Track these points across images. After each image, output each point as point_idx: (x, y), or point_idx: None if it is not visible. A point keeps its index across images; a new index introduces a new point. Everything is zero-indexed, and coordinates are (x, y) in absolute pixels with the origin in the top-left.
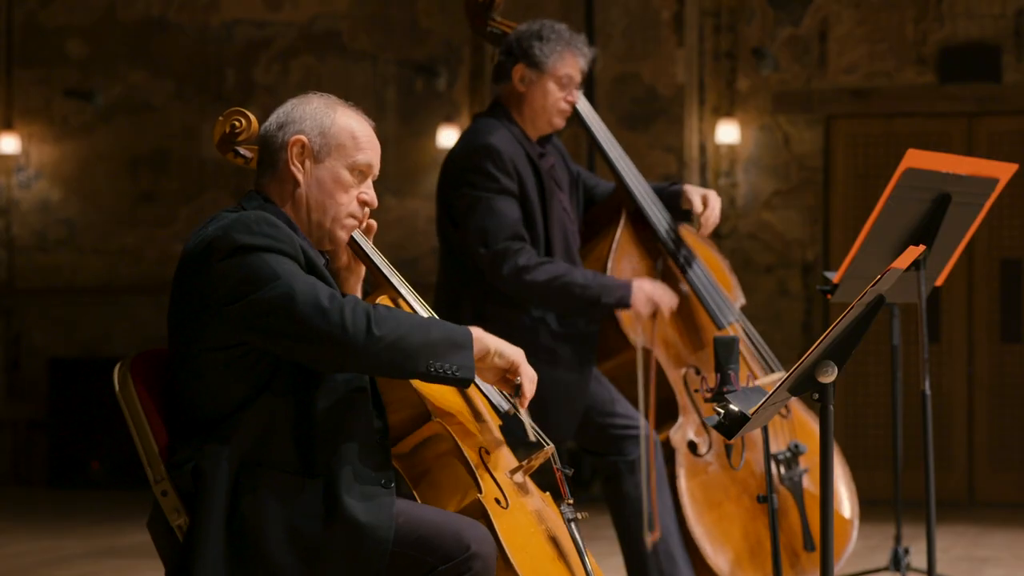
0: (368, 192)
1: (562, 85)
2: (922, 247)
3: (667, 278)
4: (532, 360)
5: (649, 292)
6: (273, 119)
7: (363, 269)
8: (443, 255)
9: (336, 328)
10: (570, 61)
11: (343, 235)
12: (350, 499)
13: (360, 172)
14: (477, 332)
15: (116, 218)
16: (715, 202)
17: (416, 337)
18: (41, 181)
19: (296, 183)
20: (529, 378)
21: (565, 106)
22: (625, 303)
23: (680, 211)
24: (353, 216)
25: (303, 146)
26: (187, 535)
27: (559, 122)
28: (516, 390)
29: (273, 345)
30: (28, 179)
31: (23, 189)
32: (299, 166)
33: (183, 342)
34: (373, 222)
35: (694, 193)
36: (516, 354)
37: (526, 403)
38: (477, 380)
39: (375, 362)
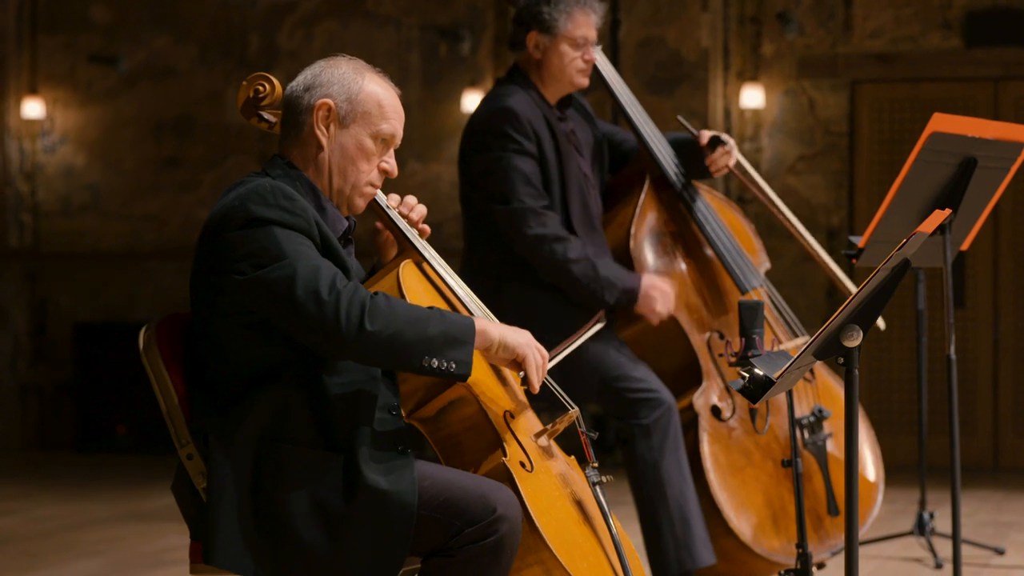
0: (389, 161)
1: (577, 45)
2: (948, 211)
3: (690, 242)
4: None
5: (655, 299)
6: (300, 81)
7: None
8: (466, 222)
9: (329, 320)
10: (581, 20)
11: (361, 203)
12: (371, 469)
13: (383, 141)
14: (481, 324)
15: (140, 183)
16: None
17: (411, 333)
18: (66, 146)
19: (319, 147)
20: (535, 368)
21: (583, 65)
22: (626, 303)
23: (703, 169)
24: (372, 184)
25: (329, 110)
26: (210, 513)
27: (582, 80)
28: (524, 379)
29: (275, 323)
30: (53, 144)
31: (48, 154)
32: (324, 130)
33: (201, 309)
34: (427, 227)
35: (706, 132)
36: (520, 343)
37: (535, 390)
38: None
39: (368, 355)
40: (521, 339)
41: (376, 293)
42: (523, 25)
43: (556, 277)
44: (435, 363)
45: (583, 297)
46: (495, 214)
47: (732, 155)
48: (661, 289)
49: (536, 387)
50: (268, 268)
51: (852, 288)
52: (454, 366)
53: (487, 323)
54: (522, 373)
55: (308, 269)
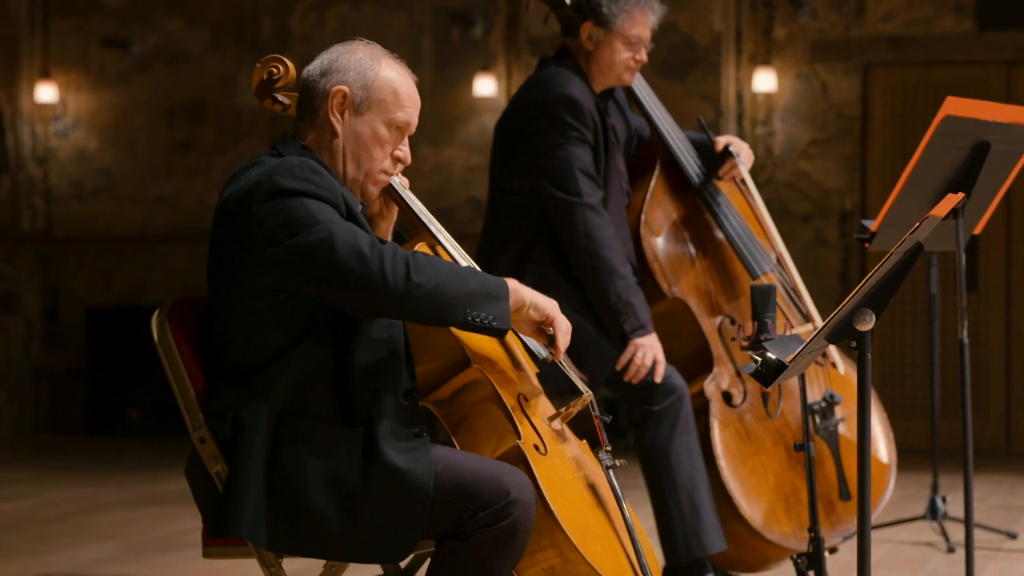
0: (403, 149)
1: (630, 44)
2: (961, 195)
3: (701, 227)
4: (568, 310)
5: (652, 353)
6: (316, 65)
7: (395, 214)
8: (494, 200)
9: (376, 275)
10: (639, 20)
11: (374, 190)
12: (389, 448)
13: (398, 129)
14: (513, 284)
15: (153, 167)
16: (738, 145)
17: (454, 286)
18: (78, 130)
19: (334, 133)
20: (563, 330)
21: (633, 64)
22: (635, 336)
23: (717, 160)
24: (386, 172)
25: (344, 97)
26: (227, 484)
27: (628, 79)
28: (551, 341)
29: (312, 290)
30: (65, 128)
31: (60, 138)
32: (338, 117)
33: (223, 289)
34: (405, 179)
35: (720, 140)
36: (550, 307)
37: (560, 354)
38: (514, 329)
39: (413, 309)
40: (550, 303)
41: (415, 251)
42: (580, 13)
43: (592, 280)
44: (477, 317)
45: (603, 309)
46: (547, 198)
47: (739, 169)
48: (657, 353)
49: (563, 349)
50: (304, 233)
51: (819, 320)
52: (494, 321)
53: (518, 284)
54: (541, 341)
55: (345, 231)
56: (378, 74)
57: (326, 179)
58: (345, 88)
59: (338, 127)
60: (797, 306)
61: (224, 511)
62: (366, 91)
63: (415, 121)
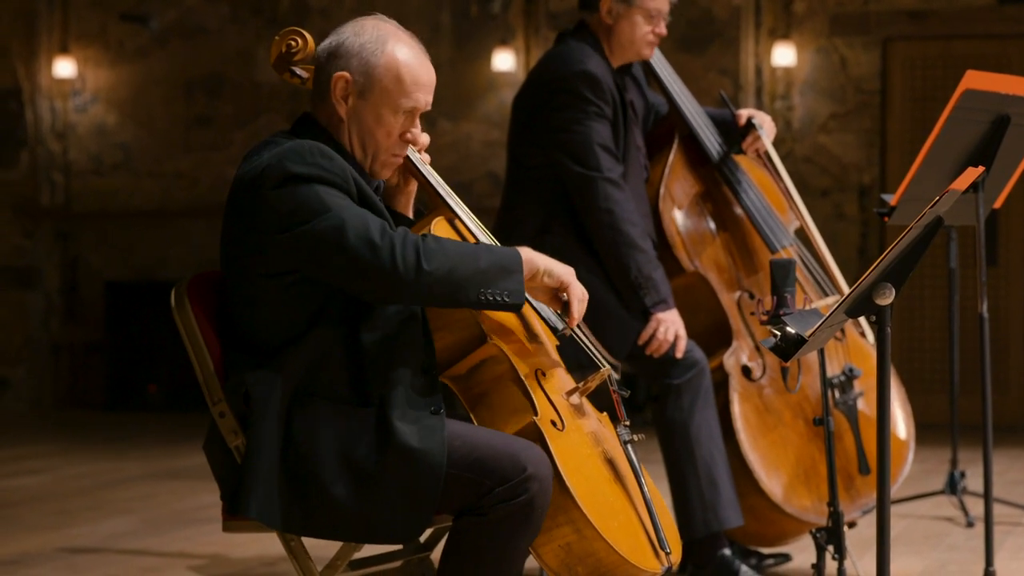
0: (413, 131)
1: (650, 17)
2: (981, 169)
3: (720, 202)
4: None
5: (674, 328)
6: (325, 45)
7: (414, 188)
8: (513, 175)
9: (386, 264)
10: None
11: (384, 172)
12: (402, 426)
13: (406, 113)
14: (526, 253)
15: (171, 142)
16: (760, 117)
17: (466, 267)
18: (97, 105)
19: (340, 118)
20: (578, 297)
21: (653, 38)
22: (656, 310)
23: (736, 135)
24: (395, 154)
25: (347, 83)
26: (240, 467)
27: (647, 53)
28: (564, 307)
29: (323, 276)
30: (84, 103)
31: (79, 113)
32: (342, 102)
33: (235, 268)
34: (425, 137)
35: (743, 112)
36: (565, 273)
37: (575, 322)
38: (532, 300)
39: (426, 295)
40: (565, 269)
41: (425, 235)
42: None
43: (613, 255)
44: (490, 295)
45: (623, 283)
46: (567, 173)
47: (763, 142)
48: (679, 328)
49: (577, 317)
50: (315, 221)
51: (845, 289)
52: (508, 296)
53: (531, 252)
54: (565, 298)
55: (356, 217)
56: (381, 60)
57: (337, 163)
58: (347, 75)
59: (343, 112)
60: (817, 280)
61: (238, 492)
62: (368, 78)
63: (424, 103)
